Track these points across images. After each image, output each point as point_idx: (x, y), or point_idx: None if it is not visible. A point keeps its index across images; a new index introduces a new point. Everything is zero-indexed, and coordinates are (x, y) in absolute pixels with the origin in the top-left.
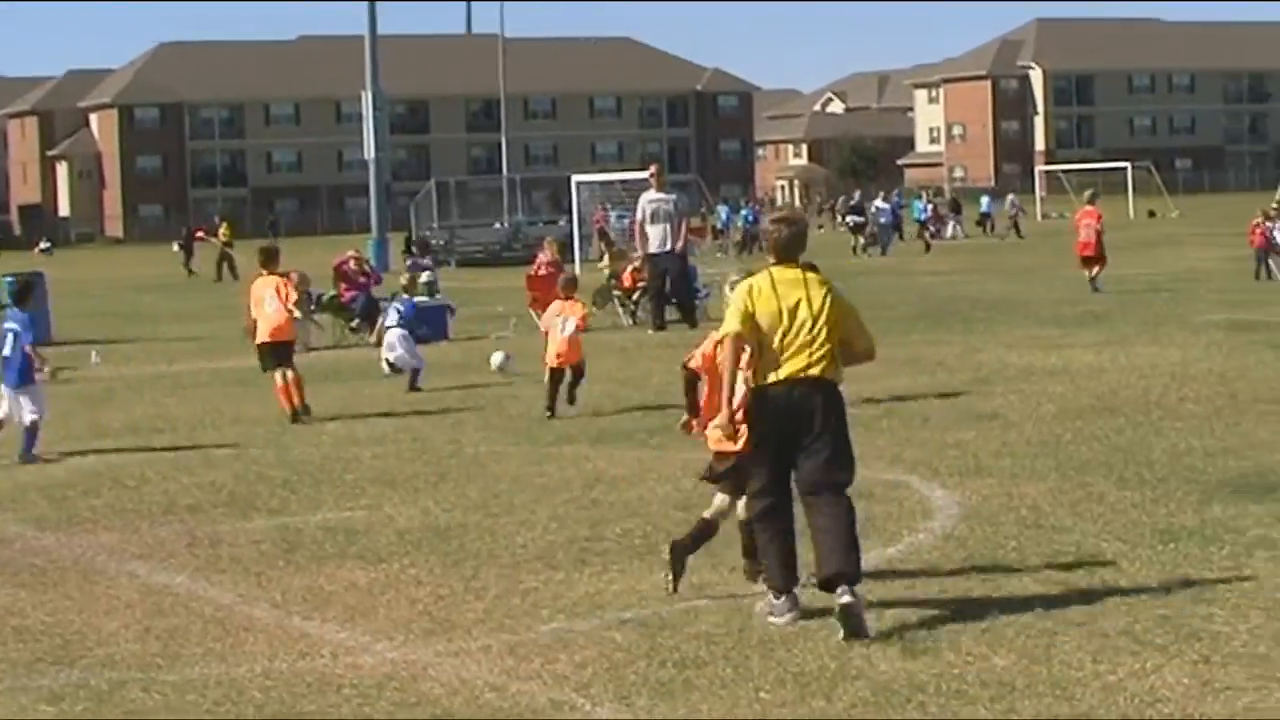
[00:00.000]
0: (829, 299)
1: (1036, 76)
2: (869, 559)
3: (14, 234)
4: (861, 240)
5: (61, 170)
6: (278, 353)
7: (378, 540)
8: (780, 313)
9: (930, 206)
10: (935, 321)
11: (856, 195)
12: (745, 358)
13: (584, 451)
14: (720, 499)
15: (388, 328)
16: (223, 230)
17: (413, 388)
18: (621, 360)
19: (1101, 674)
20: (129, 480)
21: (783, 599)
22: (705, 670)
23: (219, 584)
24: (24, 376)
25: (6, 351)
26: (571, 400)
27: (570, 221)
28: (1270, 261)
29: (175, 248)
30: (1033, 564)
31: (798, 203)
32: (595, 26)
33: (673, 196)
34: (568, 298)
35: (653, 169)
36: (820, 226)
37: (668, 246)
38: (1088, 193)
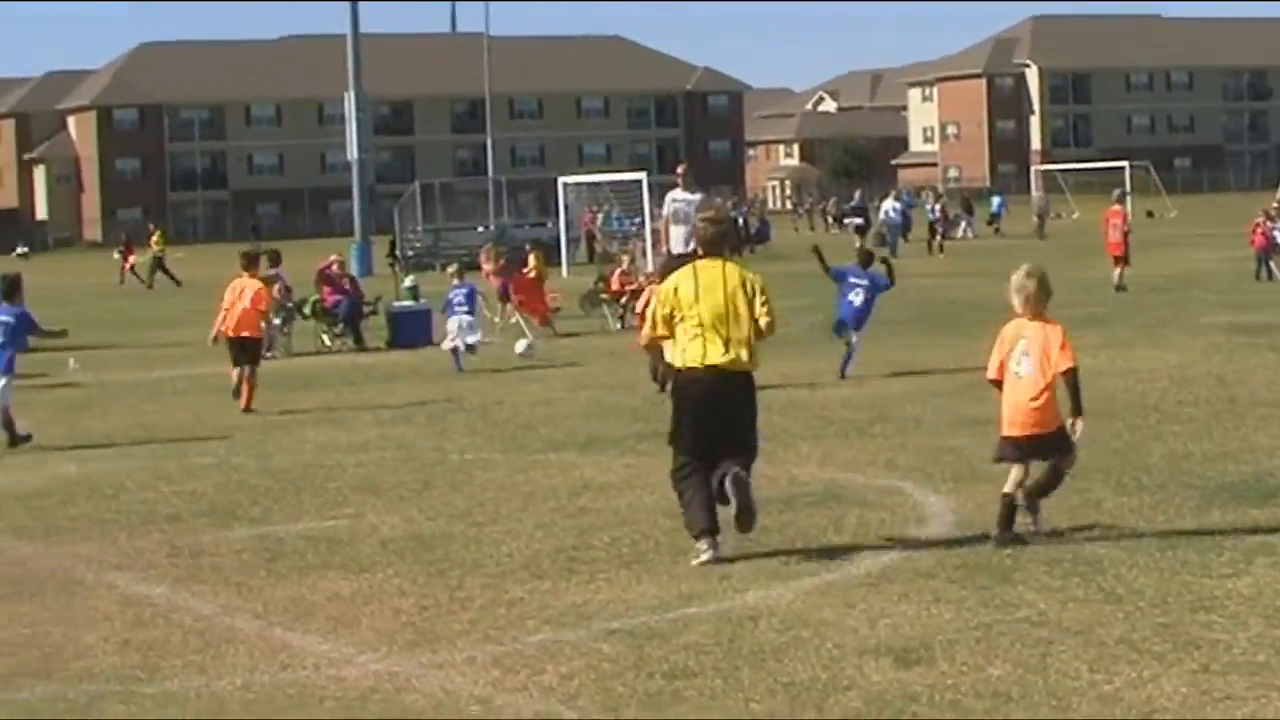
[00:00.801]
0: (742, 288)
1: (1032, 75)
2: (861, 567)
3: None
4: (863, 241)
5: (39, 173)
6: (243, 350)
7: (361, 550)
8: (697, 302)
9: (939, 207)
10: (930, 325)
11: (857, 195)
12: None
13: (572, 458)
14: (1014, 471)
15: (454, 313)
16: (155, 239)
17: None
18: (610, 365)
19: (1098, 683)
20: (107, 489)
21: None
22: (694, 681)
23: (200, 595)
24: (8, 366)
25: None
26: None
27: (557, 224)
28: (1271, 262)
29: (115, 254)
30: (1029, 571)
31: (787, 204)
32: (583, 25)
33: (698, 197)
34: (651, 280)
35: (680, 169)
36: (811, 228)
37: (690, 247)
38: (1115, 192)
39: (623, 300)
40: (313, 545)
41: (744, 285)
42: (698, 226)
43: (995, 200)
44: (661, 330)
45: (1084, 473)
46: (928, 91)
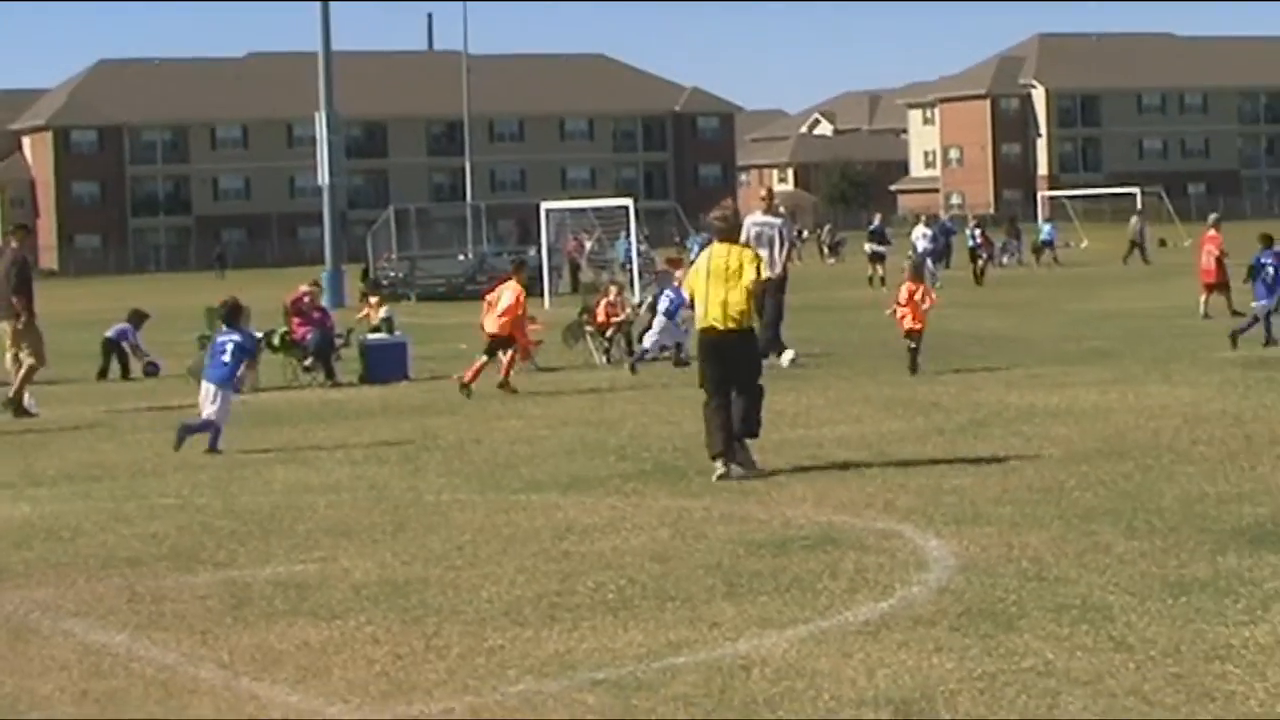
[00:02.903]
0: (744, 267)
1: (1039, 96)
2: (859, 614)
3: None
4: (881, 271)
5: None
6: (495, 345)
7: (332, 595)
8: (708, 279)
9: (979, 232)
10: (930, 359)
11: (877, 220)
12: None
13: (554, 499)
14: None
15: (661, 312)
16: None
17: (679, 362)
18: (595, 401)
19: None
20: (64, 532)
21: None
22: None
23: (161, 643)
24: (227, 379)
25: (226, 358)
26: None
27: (539, 252)
28: None
29: None
30: (1035, 619)
31: None
32: (566, 43)
33: (779, 221)
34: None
35: (764, 191)
36: (800, 259)
37: (773, 271)
38: (1212, 216)
39: (608, 333)
40: (281, 591)
41: (742, 265)
42: (714, 221)
43: (1046, 227)
44: (690, 296)
45: (1093, 515)
46: (929, 113)
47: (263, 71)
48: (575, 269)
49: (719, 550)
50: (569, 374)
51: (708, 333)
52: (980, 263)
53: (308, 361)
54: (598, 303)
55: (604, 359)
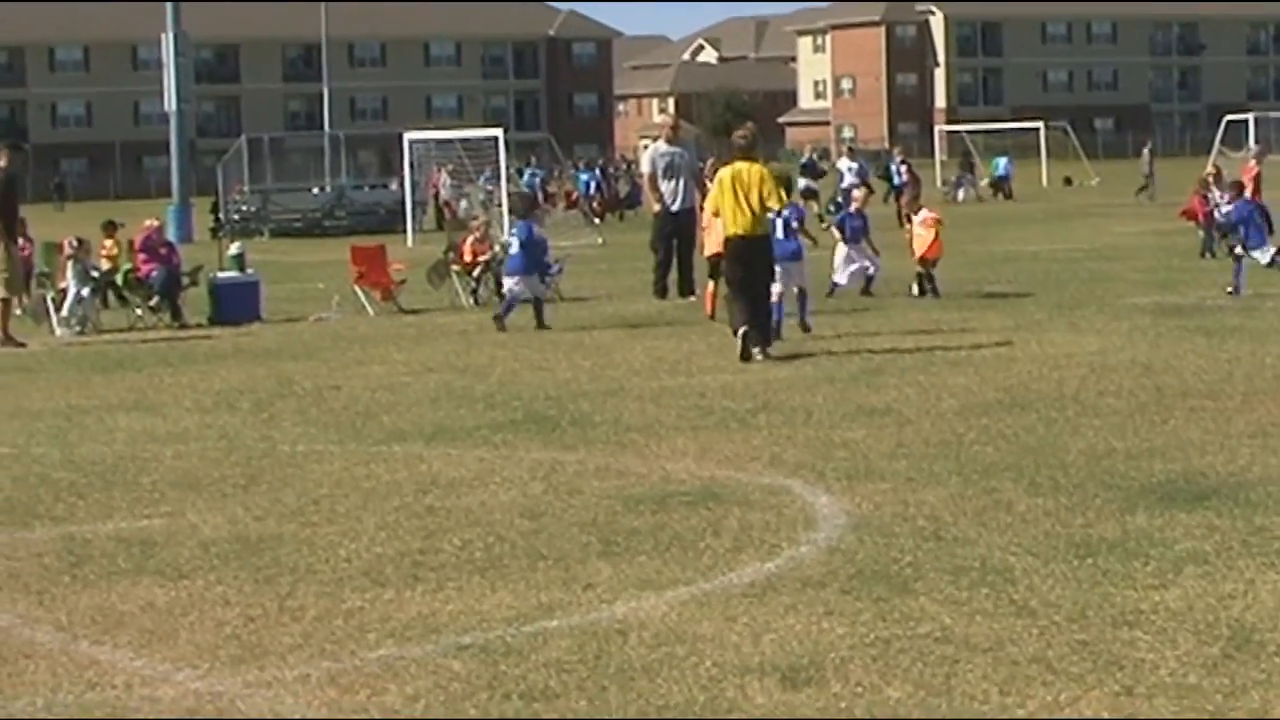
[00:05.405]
0: (763, 181)
1: (937, 23)
2: (743, 576)
3: None
4: (816, 208)
5: None
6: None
7: (179, 553)
8: (734, 192)
9: (905, 167)
10: (821, 303)
11: (807, 152)
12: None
13: (418, 450)
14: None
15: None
16: None
17: (540, 325)
18: (461, 345)
19: (1010, 707)
20: None
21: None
22: (555, 704)
23: None
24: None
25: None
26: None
27: (401, 186)
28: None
29: None
30: (931, 581)
31: None
32: None
33: (680, 150)
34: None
35: (668, 120)
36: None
37: (688, 203)
38: (1252, 148)
39: (475, 272)
40: (124, 548)
41: (761, 180)
42: (736, 139)
43: (1002, 161)
44: (712, 210)
45: (993, 471)
46: (819, 41)
47: None
48: (440, 204)
49: (594, 506)
50: (434, 316)
51: (732, 239)
52: (904, 201)
53: (153, 301)
54: (464, 240)
55: (471, 300)
